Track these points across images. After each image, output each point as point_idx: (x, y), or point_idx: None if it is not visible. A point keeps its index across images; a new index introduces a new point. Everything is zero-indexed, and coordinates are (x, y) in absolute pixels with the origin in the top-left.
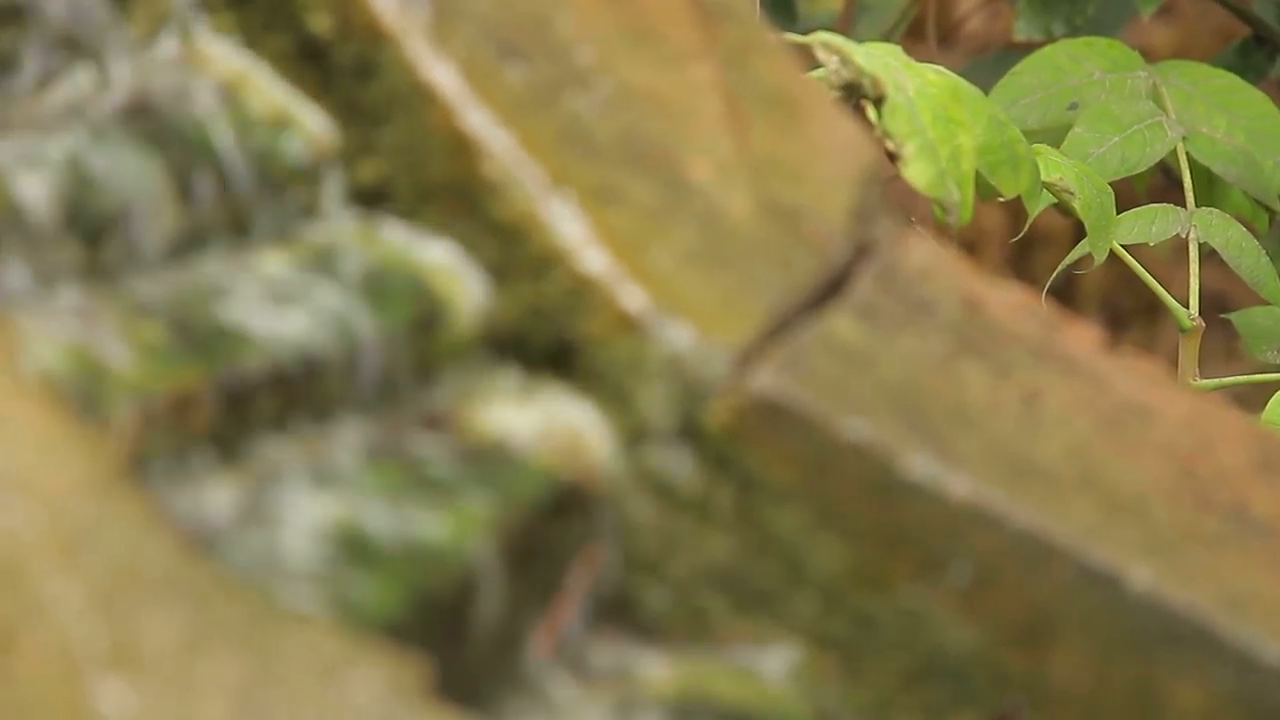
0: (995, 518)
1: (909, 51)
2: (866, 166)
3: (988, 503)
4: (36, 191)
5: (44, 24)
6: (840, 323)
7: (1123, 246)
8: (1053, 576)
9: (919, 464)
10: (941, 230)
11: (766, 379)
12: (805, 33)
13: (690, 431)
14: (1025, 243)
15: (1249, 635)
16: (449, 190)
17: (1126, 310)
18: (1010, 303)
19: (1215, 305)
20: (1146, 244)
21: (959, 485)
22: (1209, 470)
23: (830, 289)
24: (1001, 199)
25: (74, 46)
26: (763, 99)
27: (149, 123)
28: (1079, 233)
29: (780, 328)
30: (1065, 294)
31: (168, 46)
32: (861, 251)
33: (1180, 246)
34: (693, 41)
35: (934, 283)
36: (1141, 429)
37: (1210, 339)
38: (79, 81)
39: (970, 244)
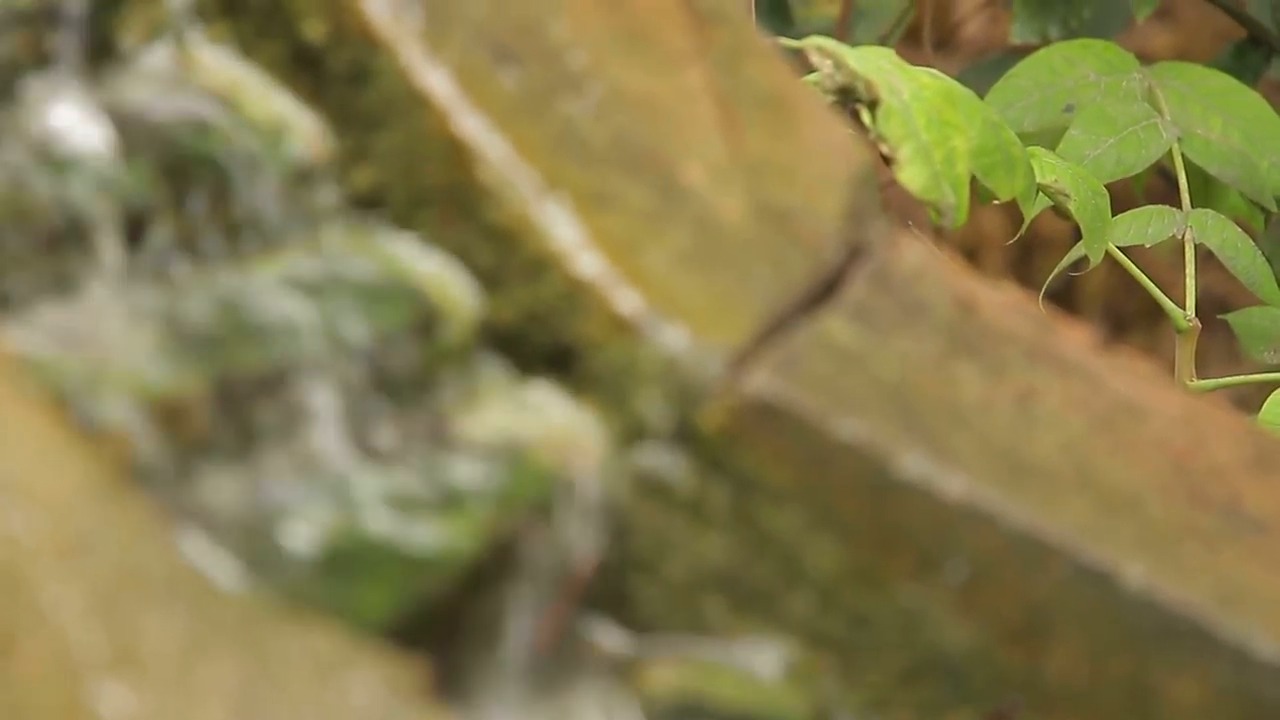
0: (990, 516)
1: (906, 56)
2: (859, 168)
3: (983, 501)
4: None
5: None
6: (834, 324)
7: (1121, 249)
8: (1048, 574)
9: (914, 463)
10: (940, 235)
11: (761, 380)
12: (801, 38)
13: (686, 433)
14: (1026, 248)
15: (1244, 631)
16: (444, 195)
17: (1128, 314)
18: (1003, 303)
19: (1219, 308)
20: (1149, 247)
21: (954, 484)
22: (1202, 467)
23: (824, 290)
24: (1000, 203)
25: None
26: (755, 102)
27: (145, 130)
28: (1080, 236)
29: (774, 329)
30: (1066, 298)
31: (162, 54)
32: (855, 253)
33: (1181, 251)
34: (685, 45)
35: (927, 283)
36: (1135, 427)
37: (1213, 341)
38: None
39: (971, 250)
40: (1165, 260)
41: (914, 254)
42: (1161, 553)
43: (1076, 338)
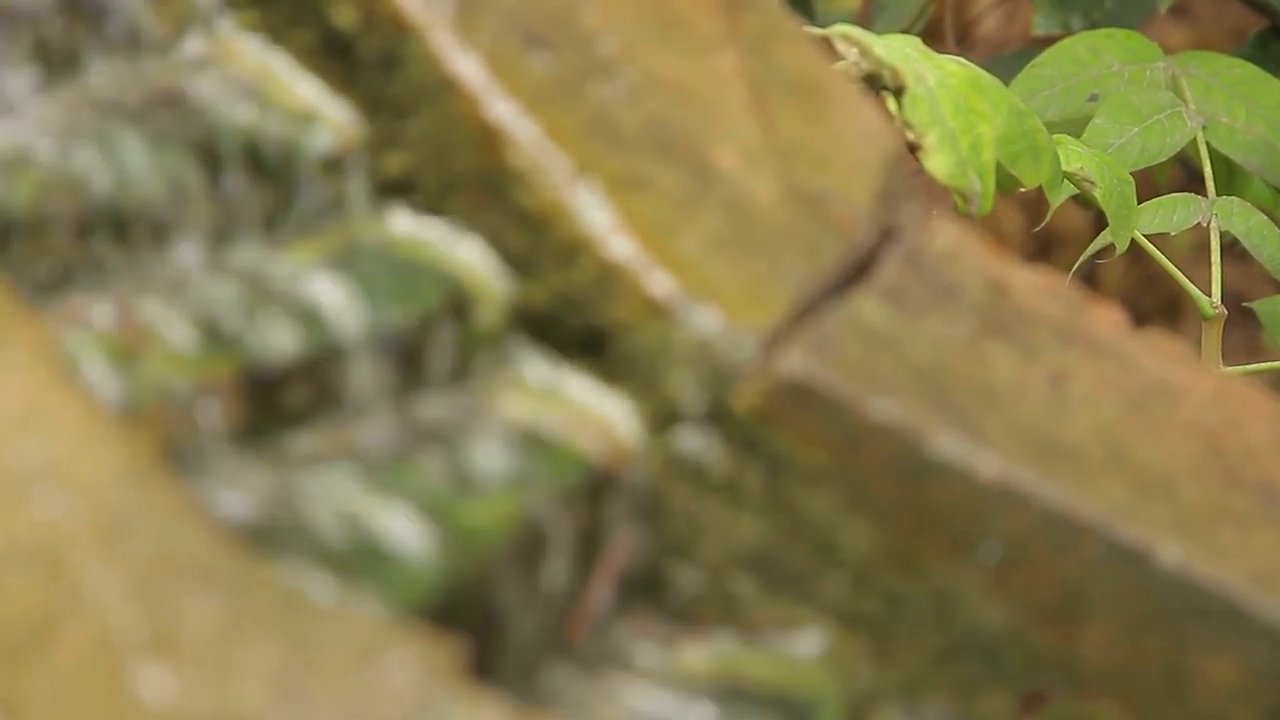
0: (1024, 497)
1: None
2: (890, 151)
3: (1016, 482)
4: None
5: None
6: (867, 306)
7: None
8: (1082, 555)
9: (947, 444)
10: (962, 224)
11: (794, 361)
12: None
13: (719, 415)
14: (1043, 244)
15: (1279, 611)
16: (475, 180)
17: (1146, 309)
18: (1035, 285)
19: (1233, 302)
20: (1166, 241)
21: (987, 465)
22: (1236, 448)
23: (856, 272)
24: (1022, 190)
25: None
26: (786, 86)
27: (177, 118)
28: (1096, 233)
29: (807, 311)
30: (1084, 293)
31: (193, 43)
32: (887, 235)
33: (1199, 244)
34: (717, 30)
35: (959, 265)
36: (1168, 408)
37: (1229, 335)
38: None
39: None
40: (1181, 254)
41: (946, 236)
42: (1196, 533)
43: (1108, 319)
